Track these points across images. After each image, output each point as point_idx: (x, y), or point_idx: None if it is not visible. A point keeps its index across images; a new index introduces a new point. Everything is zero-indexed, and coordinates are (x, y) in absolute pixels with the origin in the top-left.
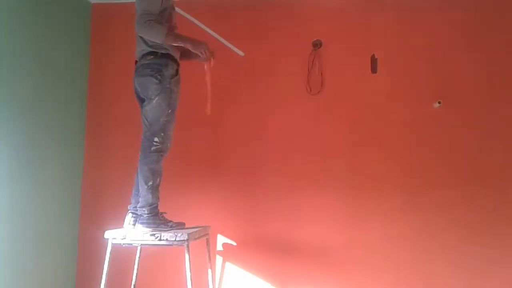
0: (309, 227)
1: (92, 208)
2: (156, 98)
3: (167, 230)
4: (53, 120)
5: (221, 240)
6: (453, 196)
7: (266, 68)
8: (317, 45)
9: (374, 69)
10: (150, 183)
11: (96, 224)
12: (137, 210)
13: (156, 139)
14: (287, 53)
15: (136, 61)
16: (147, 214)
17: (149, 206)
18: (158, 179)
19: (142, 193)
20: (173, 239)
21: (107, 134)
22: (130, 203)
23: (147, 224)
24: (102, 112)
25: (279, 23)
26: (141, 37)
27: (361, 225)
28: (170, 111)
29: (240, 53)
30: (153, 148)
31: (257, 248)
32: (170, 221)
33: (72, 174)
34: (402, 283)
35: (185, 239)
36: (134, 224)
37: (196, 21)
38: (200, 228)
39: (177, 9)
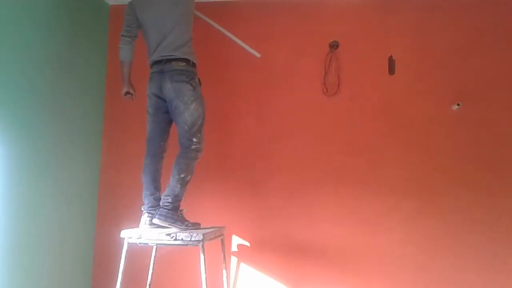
0: (325, 228)
1: (109, 208)
2: (193, 104)
3: (183, 229)
4: (71, 120)
5: (236, 241)
6: (473, 198)
7: (282, 69)
8: (334, 46)
9: (391, 71)
10: (183, 175)
11: (113, 224)
12: (152, 210)
13: (195, 139)
14: (303, 54)
15: (156, 62)
16: (169, 203)
17: (175, 196)
18: (190, 176)
19: (171, 184)
20: (189, 239)
21: (124, 135)
22: (143, 204)
23: (165, 217)
24: (119, 113)
25: (295, 24)
26: (172, 42)
27: (379, 226)
28: (204, 114)
29: (256, 54)
30: (193, 147)
31: (272, 249)
32: (187, 221)
33: (90, 174)
34: (420, 285)
35: (200, 239)
36: (150, 224)
37: (213, 23)
38: (215, 229)
39: (196, 11)
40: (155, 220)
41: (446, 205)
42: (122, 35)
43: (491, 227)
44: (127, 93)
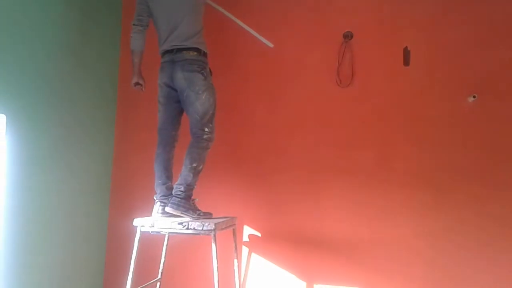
0: (336, 220)
1: (122, 197)
2: (205, 94)
3: (195, 218)
4: (84, 110)
5: (247, 231)
6: (486, 193)
7: (295, 59)
8: (348, 36)
9: (406, 62)
10: (195, 164)
11: (125, 213)
12: (164, 199)
13: (206, 129)
14: (317, 44)
15: (167, 51)
16: (182, 192)
17: (187, 185)
18: (202, 166)
19: (184, 173)
20: (200, 228)
21: (136, 125)
22: (155, 193)
23: (177, 206)
24: (132, 103)
25: (309, 14)
26: (183, 31)
27: (389, 220)
28: (215, 104)
29: (269, 44)
30: (205, 136)
31: (283, 240)
32: (199, 210)
33: (103, 164)
34: (430, 280)
35: (212, 228)
36: (162, 213)
37: (226, 12)
38: (227, 219)
39: (208, 1)
40: (168, 209)
41: (458, 200)
42: (133, 24)
43: (504, 223)
44: (137, 83)
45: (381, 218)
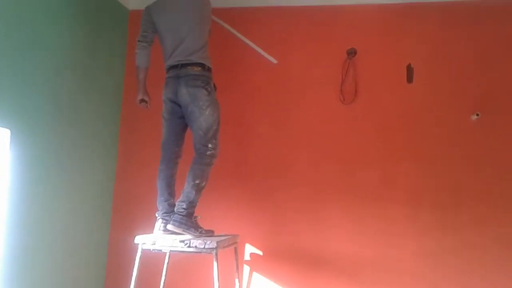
0: (338, 240)
1: (123, 214)
2: (209, 109)
3: (197, 236)
4: (88, 125)
5: (249, 249)
6: (490, 213)
7: (299, 75)
8: (351, 53)
9: (410, 79)
10: (198, 181)
11: (127, 229)
12: (166, 216)
13: (210, 145)
14: (320, 61)
15: (171, 67)
16: (184, 209)
17: (190, 203)
18: (205, 182)
19: (186, 190)
20: (202, 246)
21: (140, 140)
22: (158, 210)
23: (179, 224)
24: (136, 118)
25: (313, 31)
26: (189, 46)
27: (392, 240)
28: (219, 120)
29: (273, 60)
30: (208, 152)
31: (284, 259)
32: (201, 227)
33: (105, 179)
34: None
35: (214, 247)
36: (164, 230)
37: (230, 28)
38: (229, 237)
39: (213, 16)
40: (169, 226)
41: (462, 220)
42: (138, 40)
43: (508, 245)
44: (142, 100)
45: (384, 237)
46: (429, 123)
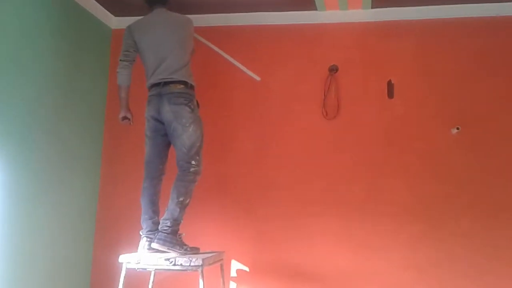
0: (325, 253)
1: (107, 232)
2: (192, 126)
3: (182, 254)
4: (71, 144)
5: (235, 266)
6: (475, 226)
7: (282, 92)
8: (333, 70)
9: (390, 94)
10: (181, 198)
11: (111, 248)
12: (150, 234)
13: (193, 162)
14: (303, 77)
15: (154, 84)
16: (168, 227)
17: (174, 220)
18: (189, 200)
19: (170, 207)
20: (188, 264)
21: (123, 158)
22: (142, 228)
23: (163, 242)
24: (118, 136)
25: (295, 48)
26: (171, 65)
27: (378, 253)
28: (202, 137)
29: (256, 77)
30: (192, 169)
31: (271, 275)
32: (186, 245)
33: (88, 198)
34: None
35: (200, 264)
36: (149, 248)
37: (213, 46)
38: (214, 254)
39: (195, 35)
40: (154, 245)
41: (448, 230)
42: (120, 60)
43: (492, 257)
44: (124, 118)
45: (369, 251)
46: (410, 137)
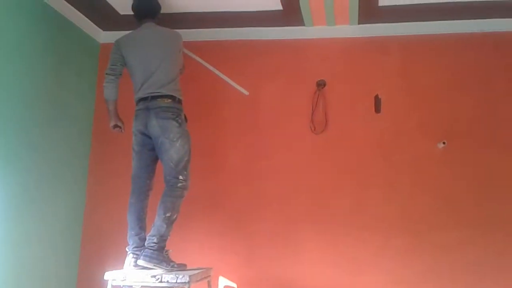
0: (313, 268)
1: (93, 248)
2: (179, 141)
3: (168, 270)
4: (57, 158)
5: (223, 282)
6: (460, 239)
7: (270, 106)
8: (321, 85)
9: (377, 109)
10: (169, 214)
11: (96, 265)
12: (137, 250)
13: (181, 177)
14: (291, 92)
15: (141, 99)
16: (155, 243)
17: (160, 236)
18: (176, 215)
19: (157, 223)
20: (174, 281)
21: (110, 173)
22: (128, 245)
23: (149, 258)
24: (106, 151)
25: (284, 63)
26: (159, 79)
27: (365, 267)
28: (190, 151)
29: (245, 92)
30: (179, 184)
31: None
32: (172, 262)
33: (74, 213)
34: None
35: (187, 281)
36: (135, 265)
37: (201, 61)
38: (202, 270)
39: (184, 49)
40: (140, 262)
41: (435, 244)
42: (106, 73)
43: (479, 269)
44: (115, 126)
45: (357, 264)
46: (397, 152)
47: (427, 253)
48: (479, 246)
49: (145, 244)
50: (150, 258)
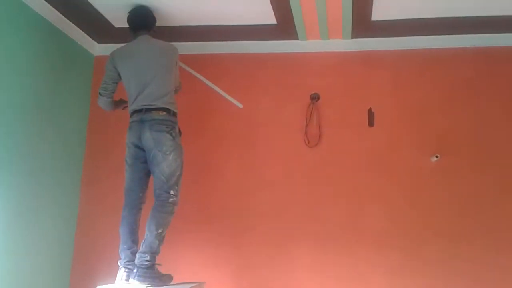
0: (307, 282)
1: (84, 262)
2: (172, 154)
3: (161, 286)
4: (50, 170)
5: None
6: (455, 251)
7: (264, 120)
8: (314, 98)
9: (371, 123)
10: (160, 230)
11: (87, 279)
12: (129, 265)
13: (172, 192)
14: (285, 105)
15: (136, 111)
16: (148, 261)
17: (152, 254)
18: (166, 231)
19: (149, 239)
20: None
21: (101, 187)
22: (120, 258)
23: (143, 278)
24: (98, 163)
25: (278, 76)
26: (153, 91)
27: (361, 279)
28: (182, 165)
29: (239, 105)
30: (170, 200)
31: None
32: (164, 276)
33: (66, 226)
34: None
35: None
36: (127, 280)
37: (196, 74)
38: (194, 284)
39: (179, 63)
40: (134, 282)
41: (427, 259)
42: (99, 92)
43: (474, 280)
44: (124, 107)
45: (351, 278)
46: (391, 165)
47: (420, 267)
48: (473, 260)
49: (136, 262)
50: (143, 278)
